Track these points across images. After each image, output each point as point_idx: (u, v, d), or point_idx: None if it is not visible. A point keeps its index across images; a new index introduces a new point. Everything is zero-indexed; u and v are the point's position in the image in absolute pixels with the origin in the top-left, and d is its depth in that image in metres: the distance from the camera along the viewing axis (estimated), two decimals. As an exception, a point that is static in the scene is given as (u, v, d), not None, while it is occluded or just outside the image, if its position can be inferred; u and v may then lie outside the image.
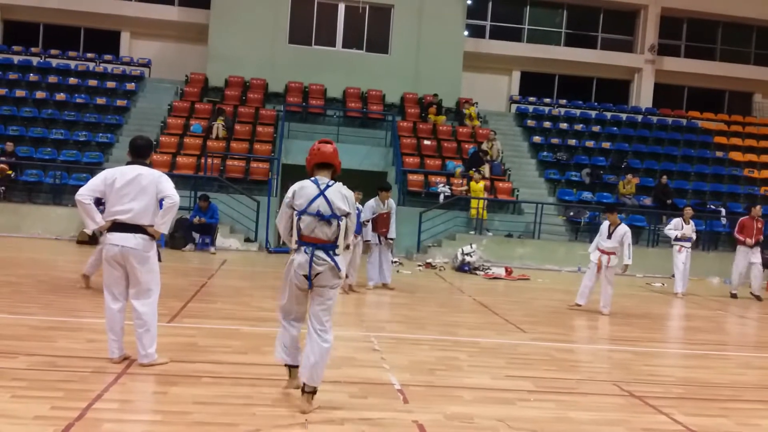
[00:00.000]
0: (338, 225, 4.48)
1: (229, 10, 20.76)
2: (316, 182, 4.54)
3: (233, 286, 9.93)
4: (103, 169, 17.83)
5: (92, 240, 13.77)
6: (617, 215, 9.92)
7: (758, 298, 12.80)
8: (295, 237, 4.52)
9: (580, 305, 9.70)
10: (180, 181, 16.53)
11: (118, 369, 5.00)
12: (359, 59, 21.58)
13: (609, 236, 9.62)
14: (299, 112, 20.08)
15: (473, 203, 16.33)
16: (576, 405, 5.09)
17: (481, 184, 16.63)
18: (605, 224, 9.81)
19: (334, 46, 21.84)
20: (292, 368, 4.75)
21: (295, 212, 4.50)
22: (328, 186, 4.54)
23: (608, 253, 9.60)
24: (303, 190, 4.52)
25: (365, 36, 21.88)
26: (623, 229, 9.61)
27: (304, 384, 4.41)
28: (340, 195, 4.53)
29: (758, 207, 13.38)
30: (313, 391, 4.42)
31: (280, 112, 19.33)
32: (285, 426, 4.08)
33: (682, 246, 12.65)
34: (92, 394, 4.40)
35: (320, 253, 4.43)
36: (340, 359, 5.69)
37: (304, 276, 4.44)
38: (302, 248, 4.47)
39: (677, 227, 12.74)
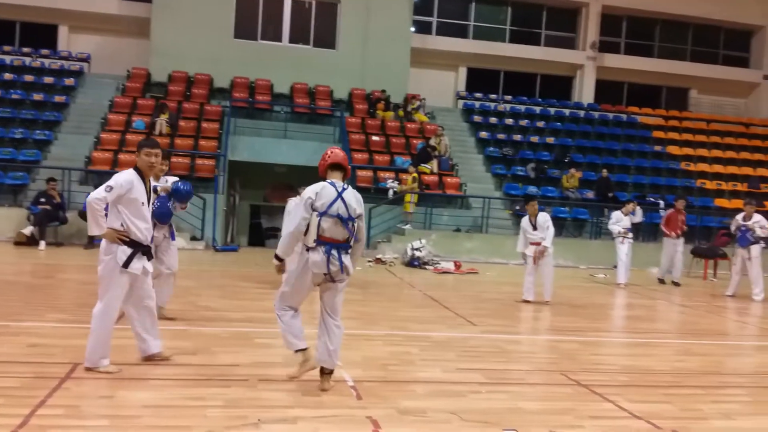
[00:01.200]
0: (353, 226, 4.83)
1: (172, 4, 20.32)
2: (333, 185, 4.81)
3: (179, 285, 9.68)
4: (41, 167, 17.25)
5: (30, 241, 13.32)
6: (536, 205, 10.05)
7: (677, 284, 13.53)
8: (313, 236, 4.73)
9: (528, 301, 9.88)
10: (123, 179, 16.13)
11: (61, 374, 4.85)
12: (306, 55, 21.42)
13: (534, 228, 9.80)
14: (245, 108, 19.82)
15: (407, 197, 16.41)
16: (526, 395, 5.19)
17: (412, 176, 16.73)
18: (525, 220, 9.94)
19: (281, 41, 21.63)
20: (306, 351, 4.96)
21: (316, 213, 4.72)
22: (344, 189, 4.82)
23: (538, 243, 9.78)
24: (324, 191, 4.76)
25: (312, 31, 21.75)
26: (545, 216, 9.85)
27: (323, 368, 4.86)
28: (355, 198, 4.86)
29: (682, 200, 14.06)
30: (332, 372, 4.91)
31: (225, 108, 19.03)
32: (237, 426, 4.03)
33: (624, 237, 13.06)
34: (35, 401, 4.25)
35: (335, 253, 4.75)
36: (293, 357, 5.65)
37: (324, 274, 4.77)
38: (319, 248, 4.74)
39: (619, 220, 13.14)
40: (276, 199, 18.23)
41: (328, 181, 4.85)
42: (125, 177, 4.98)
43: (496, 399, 4.96)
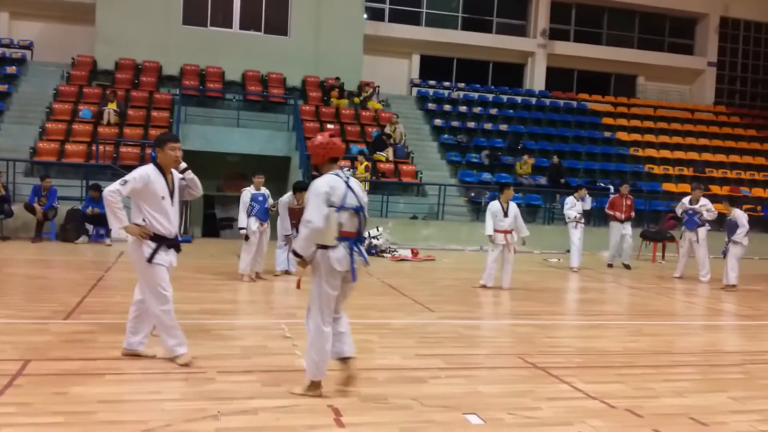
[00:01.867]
0: (364, 216, 4.57)
1: (118, -11, 19.73)
2: (338, 175, 4.52)
3: (132, 278, 9.44)
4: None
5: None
6: (512, 192, 10.23)
7: (627, 266, 13.84)
8: (334, 233, 4.41)
9: (486, 286, 9.98)
10: (70, 170, 15.71)
11: (13, 371, 4.70)
12: (258, 41, 21.11)
13: (505, 214, 9.92)
14: (196, 96, 19.45)
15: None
16: (484, 379, 5.26)
17: (364, 165, 16.74)
18: (496, 204, 10.04)
19: (231, 27, 21.26)
20: (348, 359, 4.61)
21: (334, 208, 4.39)
22: (348, 178, 4.56)
23: (510, 231, 9.92)
24: (336, 183, 4.45)
25: (263, 17, 21.42)
26: (514, 205, 10.00)
27: (349, 357, 4.61)
28: (359, 186, 4.62)
29: (626, 185, 14.35)
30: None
31: (175, 96, 18.64)
32: (197, 419, 3.97)
33: (578, 222, 13.32)
34: (-16, 400, 4.12)
35: (357, 247, 4.52)
36: (251, 348, 5.61)
37: (346, 271, 4.46)
38: (341, 244, 4.44)
39: (573, 205, 13.39)
40: (230, 189, 18.00)
41: (333, 172, 4.53)
42: (141, 171, 4.99)
43: (456, 384, 5.02)
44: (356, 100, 20.81)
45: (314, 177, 4.97)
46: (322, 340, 4.45)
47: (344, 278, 4.52)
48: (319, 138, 4.63)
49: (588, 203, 13.77)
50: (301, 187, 9.91)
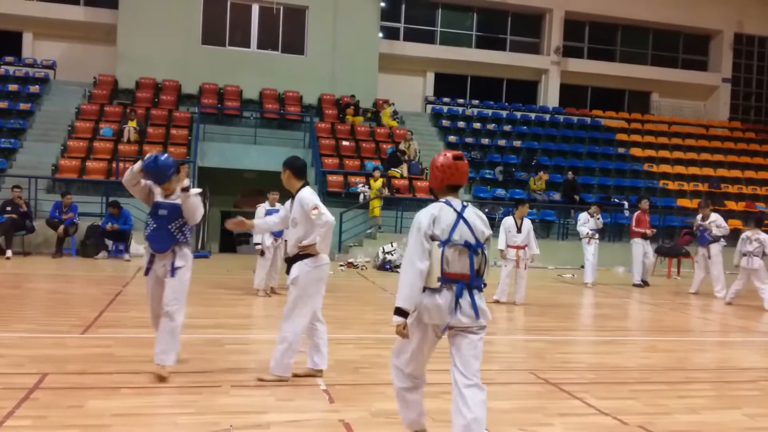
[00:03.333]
0: (484, 254, 3.68)
1: (138, 10, 20.14)
2: (449, 204, 3.68)
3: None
4: (6, 176, 16.82)
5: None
6: (527, 208, 10.28)
7: (646, 283, 13.70)
8: (437, 274, 3.57)
9: (500, 301, 10.01)
10: (91, 187, 15.97)
11: (30, 384, 4.79)
12: (275, 60, 21.40)
13: (519, 230, 9.96)
14: (214, 114, 19.72)
15: (373, 203, 16.49)
16: (496, 394, 5.26)
17: (379, 182, 16.82)
18: (510, 220, 10.12)
19: (249, 47, 21.57)
20: None
21: (437, 243, 3.59)
22: (464, 207, 3.71)
23: (522, 247, 9.95)
24: (442, 213, 3.63)
25: (280, 37, 21.73)
26: (528, 222, 10.02)
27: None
28: (479, 217, 3.75)
29: (646, 201, 14.21)
30: None
31: (194, 114, 18.91)
32: (210, 432, 4.04)
33: (591, 238, 13.28)
34: (3, 411, 4.20)
35: (467, 293, 3.59)
36: (265, 362, 5.66)
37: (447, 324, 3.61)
38: (444, 288, 3.58)
39: (586, 221, 13.38)
40: (246, 205, 18.15)
41: (443, 200, 3.71)
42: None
43: (467, 399, 5.03)
44: (368, 114, 20.98)
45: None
46: (399, 394, 3.98)
47: (454, 334, 3.70)
48: (441, 159, 3.77)
49: (600, 221, 13.71)
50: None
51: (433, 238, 3.59)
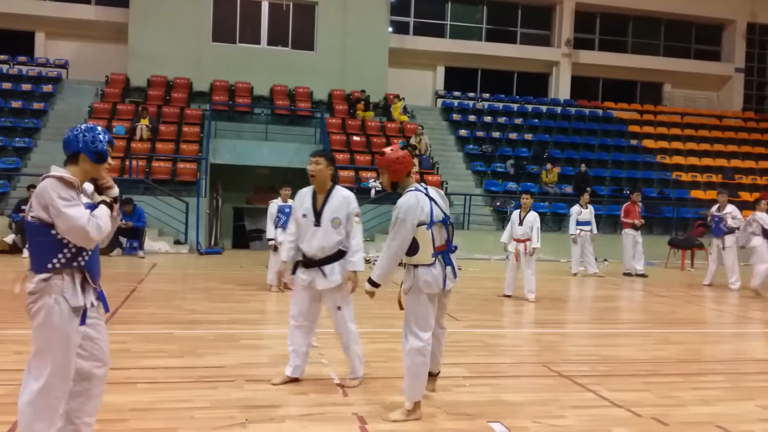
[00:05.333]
0: (452, 224, 4.43)
1: (149, 9, 20.25)
2: (418, 189, 4.29)
3: (164, 289, 9.75)
4: (21, 174, 17.00)
5: (13, 249, 13.22)
6: (530, 200, 10.13)
7: (643, 275, 13.70)
8: (430, 251, 4.21)
9: (508, 296, 10.01)
10: (103, 185, 16.06)
11: (48, 380, 4.86)
12: (285, 57, 21.44)
13: (521, 223, 9.91)
14: (226, 111, 19.80)
15: None
16: (509, 387, 5.28)
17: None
18: (516, 213, 10.08)
19: (259, 43, 21.63)
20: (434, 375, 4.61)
21: (425, 227, 4.18)
22: (426, 189, 4.35)
23: (523, 241, 9.89)
24: (420, 200, 4.21)
25: (290, 33, 21.76)
26: (533, 215, 9.93)
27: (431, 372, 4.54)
28: (438, 193, 4.44)
29: (638, 193, 14.34)
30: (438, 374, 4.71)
31: (206, 111, 19.00)
32: (225, 427, 4.07)
33: (581, 230, 13.34)
34: (23, 407, 4.27)
35: (450, 259, 4.32)
36: (279, 357, 5.71)
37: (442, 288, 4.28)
38: (436, 260, 4.24)
39: (579, 213, 13.48)
40: (258, 201, 18.25)
41: (413, 187, 4.31)
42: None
43: (480, 392, 5.05)
44: (398, 115, 20.93)
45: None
46: (423, 344, 4.24)
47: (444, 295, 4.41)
48: (395, 154, 4.34)
49: (592, 211, 13.79)
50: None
51: (421, 223, 4.18)
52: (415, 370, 4.24)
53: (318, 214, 4.88)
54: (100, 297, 3.45)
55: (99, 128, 3.40)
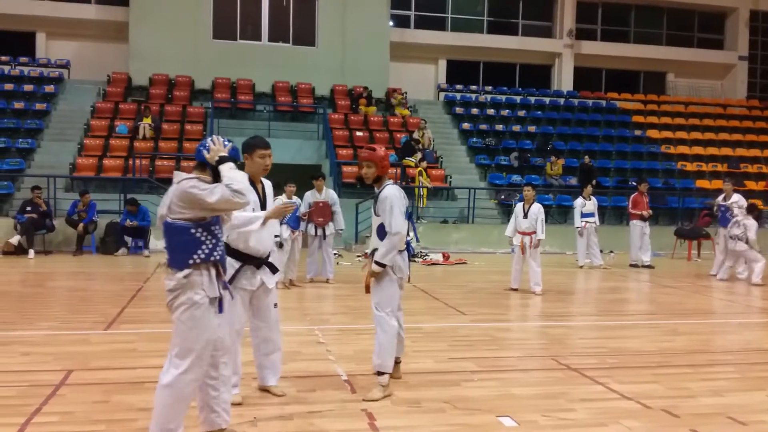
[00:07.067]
0: (412, 221, 5.08)
1: (149, 7, 20.21)
2: (396, 184, 4.89)
3: (163, 288, 9.73)
4: (25, 176, 17.00)
5: (18, 250, 13.23)
6: (531, 191, 10.02)
7: (650, 266, 13.61)
8: (405, 238, 4.87)
9: (515, 289, 9.98)
10: (108, 184, 16.11)
11: (56, 381, 4.86)
12: (286, 53, 21.39)
13: (525, 216, 9.86)
14: (228, 108, 19.78)
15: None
16: (518, 381, 5.27)
17: (420, 169, 16.96)
18: (519, 206, 10.02)
19: (260, 40, 21.58)
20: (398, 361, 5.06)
21: (405, 215, 4.81)
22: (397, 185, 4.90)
23: (528, 234, 9.84)
24: (401, 192, 4.84)
25: (291, 29, 21.71)
26: (537, 207, 9.86)
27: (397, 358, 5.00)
28: (402, 191, 4.93)
29: (645, 183, 14.27)
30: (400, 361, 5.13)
31: (208, 109, 18.98)
32: (233, 425, 4.06)
33: (586, 222, 13.31)
34: (30, 409, 4.27)
35: (411, 249, 5.09)
36: (286, 354, 5.68)
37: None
38: (405, 249, 4.92)
39: (583, 205, 13.44)
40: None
41: (389, 182, 4.89)
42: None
43: (489, 386, 5.03)
44: (399, 109, 20.87)
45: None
46: (390, 326, 4.76)
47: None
48: (381, 152, 4.89)
49: (595, 203, 13.76)
50: (316, 176, 10.41)
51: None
52: (388, 345, 4.72)
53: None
54: (226, 287, 3.76)
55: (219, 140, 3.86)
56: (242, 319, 4.46)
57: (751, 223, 11.44)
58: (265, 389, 4.70)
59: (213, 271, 3.60)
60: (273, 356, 4.67)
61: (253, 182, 4.51)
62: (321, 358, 5.77)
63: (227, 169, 3.57)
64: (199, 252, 3.50)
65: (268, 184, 4.73)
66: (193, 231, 3.49)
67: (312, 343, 6.32)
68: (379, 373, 4.70)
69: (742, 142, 22.81)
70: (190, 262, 3.49)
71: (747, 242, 11.34)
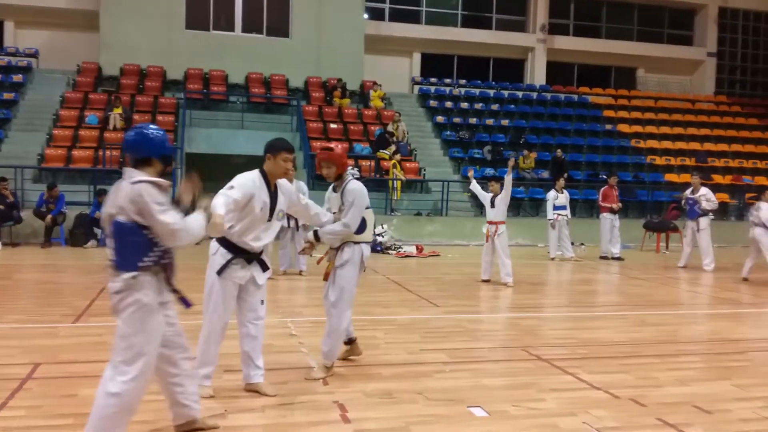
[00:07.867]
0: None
1: (120, -4, 19.86)
2: (357, 181, 5.00)
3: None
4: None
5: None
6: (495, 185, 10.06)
7: (620, 258, 13.80)
8: (372, 230, 5.09)
9: (486, 280, 10.04)
10: (78, 176, 15.85)
11: (23, 374, 4.79)
12: (260, 44, 21.21)
13: (492, 206, 9.91)
14: (200, 100, 19.56)
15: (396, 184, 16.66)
16: (489, 372, 5.32)
17: (393, 162, 16.97)
18: (488, 196, 10.08)
19: (234, 30, 21.36)
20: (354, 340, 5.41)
21: (370, 209, 5.01)
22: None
23: (495, 223, 9.91)
24: (363, 187, 4.97)
25: (265, 20, 21.52)
26: (503, 195, 9.89)
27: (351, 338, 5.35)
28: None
29: (615, 177, 14.49)
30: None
31: (180, 100, 18.75)
32: (204, 418, 4.03)
33: (558, 214, 13.47)
34: (-3, 403, 4.20)
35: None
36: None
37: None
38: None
39: (555, 197, 13.59)
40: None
41: (350, 177, 5.04)
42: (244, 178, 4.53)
43: (460, 377, 5.08)
44: (378, 102, 20.81)
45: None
46: (342, 324, 4.96)
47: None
48: (339, 149, 4.99)
49: (567, 196, 13.94)
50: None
51: (366, 207, 4.90)
52: (340, 334, 4.99)
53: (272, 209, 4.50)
54: (177, 294, 3.66)
55: (158, 130, 3.61)
56: (228, 311, 4.45)
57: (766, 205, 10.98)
58: (253, 389, 4.53)
59: (161, 276, 3.49)
60: (254, 353, 4.55)
61: (268, 182, 4.48)
62: (293, 350, 5.77)
63: (195, 218, 3.59)
64: (150, 254, 3.39)
65: (286, 186, 4.63)
66: (146, 232, 3.36)
67: (284, 336, 6.31)
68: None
69: (710, 136, 23.21)
70: (140, 264, 3.35)
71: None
